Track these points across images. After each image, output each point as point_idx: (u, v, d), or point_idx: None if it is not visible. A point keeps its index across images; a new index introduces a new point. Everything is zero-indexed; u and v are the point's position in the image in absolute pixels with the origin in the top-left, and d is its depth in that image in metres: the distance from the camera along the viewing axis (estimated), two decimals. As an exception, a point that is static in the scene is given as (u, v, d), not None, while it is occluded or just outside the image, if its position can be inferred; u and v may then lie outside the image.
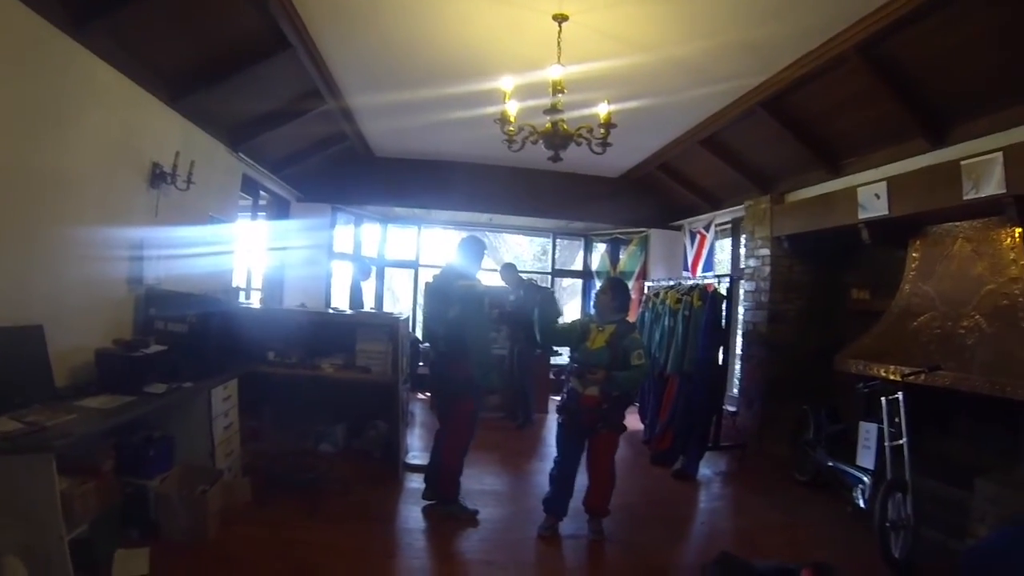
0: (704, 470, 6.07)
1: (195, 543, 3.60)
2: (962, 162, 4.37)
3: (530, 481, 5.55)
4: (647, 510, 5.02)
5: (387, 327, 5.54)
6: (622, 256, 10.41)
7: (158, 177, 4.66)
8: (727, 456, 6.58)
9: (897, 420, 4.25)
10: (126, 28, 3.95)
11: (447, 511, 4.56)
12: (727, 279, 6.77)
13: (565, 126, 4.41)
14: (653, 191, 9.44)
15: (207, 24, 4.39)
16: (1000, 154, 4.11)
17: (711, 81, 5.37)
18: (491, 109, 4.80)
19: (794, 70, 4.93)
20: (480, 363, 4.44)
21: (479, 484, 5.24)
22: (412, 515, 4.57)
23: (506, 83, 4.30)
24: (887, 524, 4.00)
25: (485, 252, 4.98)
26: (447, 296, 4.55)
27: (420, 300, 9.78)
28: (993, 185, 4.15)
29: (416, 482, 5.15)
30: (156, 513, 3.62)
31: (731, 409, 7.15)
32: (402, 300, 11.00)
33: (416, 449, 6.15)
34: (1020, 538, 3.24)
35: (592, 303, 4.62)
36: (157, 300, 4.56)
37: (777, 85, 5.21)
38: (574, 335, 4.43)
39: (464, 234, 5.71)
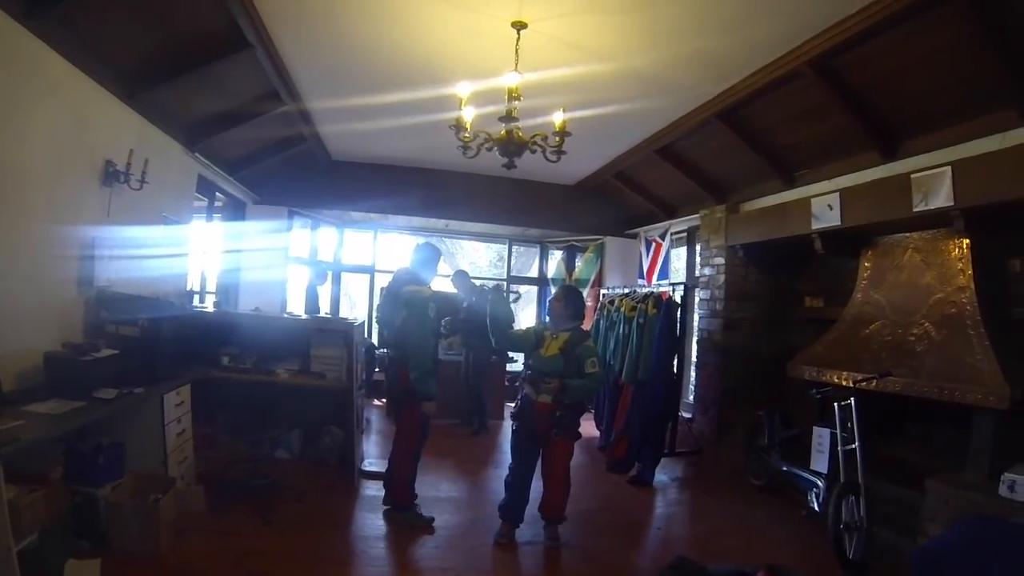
0: (660, 476, 6.14)
1: (147, 553, 3.50)
2: (912, 175, 4.55)
3: (486, 488, 5.55)
4: (603, 516, 5.06)
5: (342, 332, 5.47)
6: (578, 263, 10.49)
7: (111, 175, 4.51)
8: (683, 462, 6.69)
9: (849, 425, 4.38)
10: (81, 19, 3.80)
11: (403, 518, 4.54)
12: (682, 287, 6.87)
13: (520, 134, 4.42)
14: (609, 199, 9.54)
15: (165, 19, 4.28)
16: (948, 168, 4.30)
17: (667, 91, 5.46)
18: (448, 115, 4.77)
19: (749, 83, 5.04)
20: (418, 368, 4.37)
21: (435, 491, 5.21)
22: (368, 522, 4.52)
23: (462, 89, 4.30)
24: (841, 526, 4.14)
25: (440, 259, 5.00)
26: (396, 301, 4.56)
27: (376, 305, 9.70)
28: (942, 198, 4.33)
29: (372, 489, 5.11)
30: (107, 523, 3.51)
31: (686, 415, 7.25)
32: (358, 305, 10.87)
33: (372, 456, 6.09)
34: (967, 536, 3.40)
35: (546, 310, 4.63)
36: (108, 303, 4.42)
37: (733, 97, 5.31)
38: (528, 342, 4.45)
39: (420, 240, 5.70)
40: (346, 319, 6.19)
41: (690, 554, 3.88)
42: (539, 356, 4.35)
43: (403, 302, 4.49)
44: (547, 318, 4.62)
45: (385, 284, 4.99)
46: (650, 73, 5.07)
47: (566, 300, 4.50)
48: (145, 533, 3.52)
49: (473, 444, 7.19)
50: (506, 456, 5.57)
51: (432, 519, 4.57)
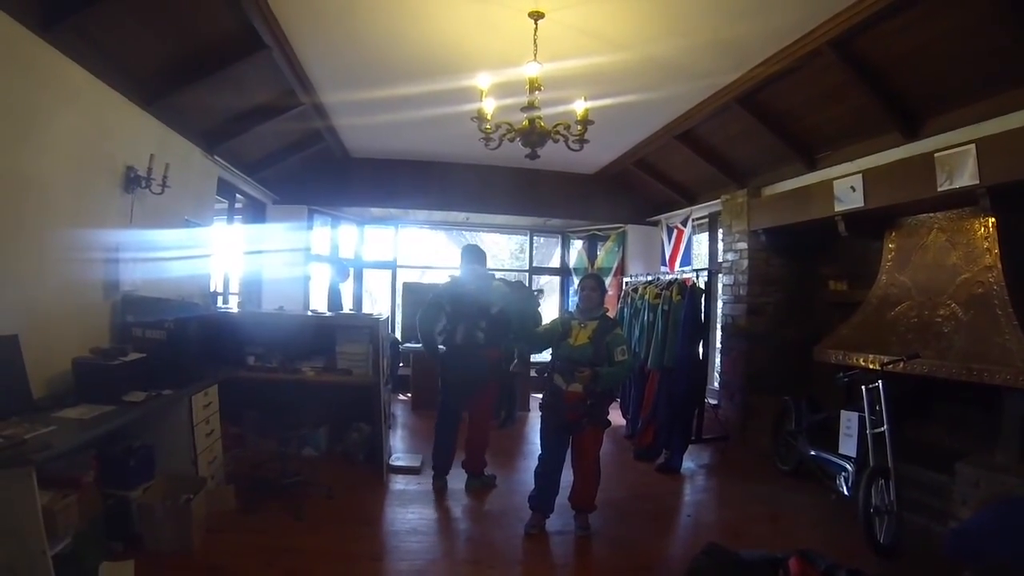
0: (688, 463, 6.11)
1: (181, 553, 3.55)
2: (936, 154, 4.46)
3: (515, 479, 5.54)
4: (633, 505, 5.04)
5: (367, 328, 5.50)
6: (600, 252, 10.43)
7: (132, 181, 4.57)
8: (710, 449, 6.64)
9: (878, 408, 4.31)
10: (97, 29, 3.86)
11: (480, 482, 5.23)
12: (705, 273, 6.82)
13: (542, 123, 4.39)
14: (630, 187, 9.47)
15: (180, 25, 4.32)
16: (973, 146, 4.20)
17: (686, 77, 5.39)
18: (467, 107, 4.78)
19: (769, 66, 4.97)
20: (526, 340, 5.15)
21: (462, 484, 5.21)
22: (399, 517, 4.54)
23: (483, 80, 4.27)
24: (871, 510, 4.08)
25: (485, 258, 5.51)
26: (480, 297, 5.11)
27: (399, 301, 9.74)
28: (966, 176, 4.24)
29: (401, 483, 5.16)
30: (140, 524, 3.57)
31: (713, 402, 7.19)
32: (380, 301, 10.92)
33: (399, 451, 6.11)
34: (1003, 518, 3.34)
35: (576, 300, 4.62)
36: (134, 306, 4.48)
37: (752, 81, 5.25)
38: (554, 335, 4.44)
39: (444, 234, 5.96)
40: (371, 315, 6.22)
41: (721, 541, 3.85)
42: (568, 346, 4.33)
43: (499, 295, 5.14)
44: (575, 306, 4.60)
45: (446, 281, 5.46)
46: (668, 59, 5.01)
47: (601, 288, 4.51)
48: (178, 533, 3.58)
49: (501, 436, 7.19)
50: (534, 447, 5.59)
51: (494, 476, 5.36)
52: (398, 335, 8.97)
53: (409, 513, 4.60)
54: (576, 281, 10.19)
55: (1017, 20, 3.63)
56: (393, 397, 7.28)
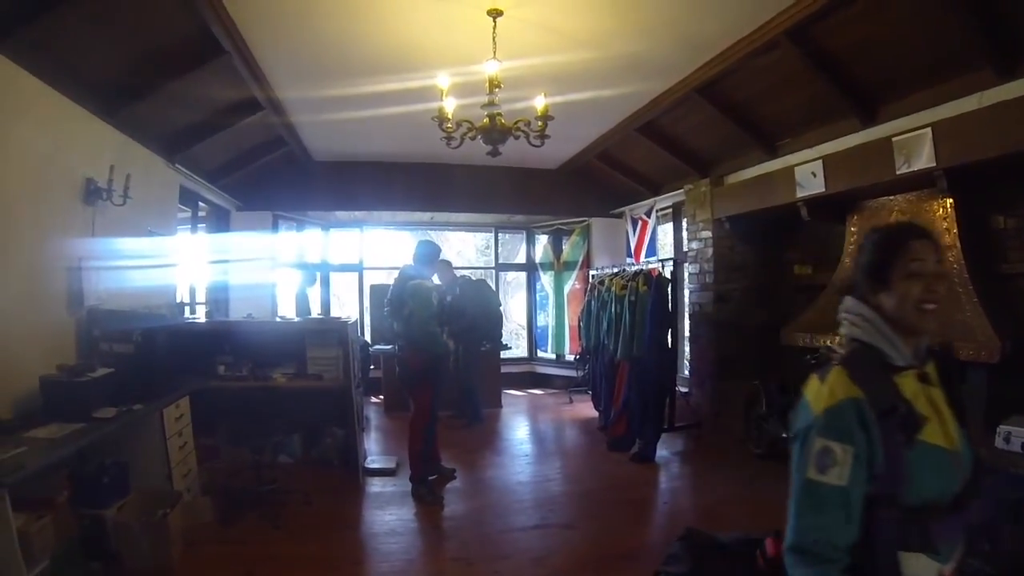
0: (662, 451, 6.21)
1: (160, 569, 3.52)
2: (894, 138, 4.60)
3: (487, 475, 5.59)
4: (609, 495, 5.12)
5: (336, 332, 5.48)
6: (565, 246, 10.49)
7: (93, 193, 4.48)
8: (683, 436, 6.76)
9: None
10: (52, 38, 3.76)
11: (414, 490, 5.02)
12: (671, 263, 6.90)
13: (503, 120, 4.42)
14: (593, 180, 9.52)
15: (137, 33, 4.23)
16: (929, 130, 4.35)
17: (646, 70, 5.44)
18: (427, 106, 4.78)
19: (727, 56, 5.03)
20: (427, 347, 4.98)
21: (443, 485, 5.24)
22: (377, 519, 4.56)
23: (442, 80, 4.30)
24: None
25: (439, 254, 5.45)
26: (403, 295, 4.98)
27: (367, 304, 9.71)
28: (924, 159, 4.39)
29: (378, 486, 5.16)
30: (117, 542, 3.51)
31: (684, 390, 7.31)
32: (348, 304, 10.85)
33: (374, 453, 6.11)
34: None
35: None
36: (100, 321, 4.40)
37: (711, 71, 5.30)
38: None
39: (410, 234, 5.92)
40: (339, 318, 6.20)
41: (698, 526, 3.91)
42: None
43: (408, 295, 4.94)
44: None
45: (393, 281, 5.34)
46: (627, 53, 5.05)
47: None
48: (156, 549, 3.53)
49: (469, 434, 7.21)
50: (504, 444, 5.63)
51: (453, 469, 5.40)
52: (367, 338, 8.94)
53: (387, 515, 4.62)
54: (543, 276, 10.36)
55: (965, 6, 3.74)
56: (365, 400, 7.25)
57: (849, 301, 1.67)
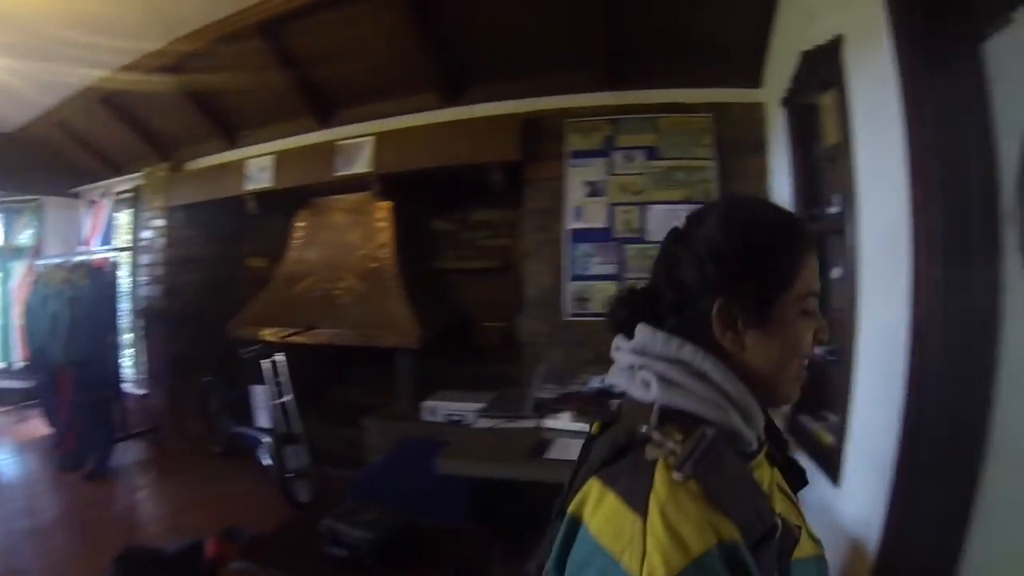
0: (119, 463, 5.63)
1: None
2: (337, 142, 5.05)
3: None
4: (63, 524, 4.47)
5: None
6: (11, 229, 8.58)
7: None
8: (141, 443, 6.23)
9: (279, 379, 4.72)
10: None
11: None
12: (125, 252, 6.22)
13: None
14: (51, 152, 7.91)
15: None
16: (371, 139, 4.90)
17: (112, 36, 4.74)
18: None
19: (198, 38, 4.78)
20: None
21: None
22: None
23: None
24: (287, 475, 4.52)
25: None
26: None
27: None
28: (362, 164, 4.91)
29: None
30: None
31: (140, 392, 6.70)
32: None
33: None
34: (394, 458, 4.09)
35: None
36: None
37: (182, 48, 4.93)
38: None
39: None
40: None
41: (151, 538, 3.64)
42: None
43: None
44: None
45: None
46: (89, 16, 4.40)
47: None
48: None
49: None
50: None
51: None
52: None
53: None
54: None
55: (415, 35, 4.26)
56: None
57: (674, 345, 0.93)
